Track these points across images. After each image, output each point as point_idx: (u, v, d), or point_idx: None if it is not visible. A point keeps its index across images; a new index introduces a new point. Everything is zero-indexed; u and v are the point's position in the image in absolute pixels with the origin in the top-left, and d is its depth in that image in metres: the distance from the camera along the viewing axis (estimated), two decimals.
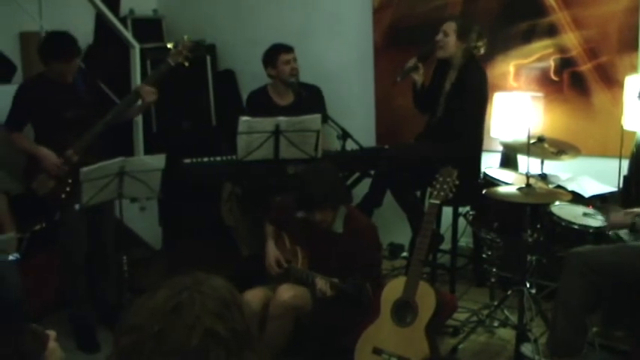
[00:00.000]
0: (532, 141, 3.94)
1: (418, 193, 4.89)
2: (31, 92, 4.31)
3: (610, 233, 3.82)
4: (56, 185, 4.24)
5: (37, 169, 4.25)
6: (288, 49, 5.03)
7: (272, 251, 4.02)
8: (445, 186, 3.65)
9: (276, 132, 4.31)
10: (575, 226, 3.92)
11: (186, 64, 4.41)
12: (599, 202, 4.32)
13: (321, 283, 3.62)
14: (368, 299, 3.60)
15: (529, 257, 3.99)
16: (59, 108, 4.25)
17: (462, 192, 3.77)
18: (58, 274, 4.55)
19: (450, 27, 4.56)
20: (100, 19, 5.59)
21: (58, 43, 4.21)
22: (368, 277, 3.65)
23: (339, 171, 4.87)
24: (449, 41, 4.56)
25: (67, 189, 4.22)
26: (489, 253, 4.36)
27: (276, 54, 5.02)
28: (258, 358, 1.42)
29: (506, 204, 3.90)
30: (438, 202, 3.66)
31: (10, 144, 4.40)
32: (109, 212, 4.44)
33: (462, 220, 4.66)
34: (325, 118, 4.75)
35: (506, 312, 4.26)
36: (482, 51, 4.62)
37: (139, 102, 4.42)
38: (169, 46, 4.46)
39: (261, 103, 5.08)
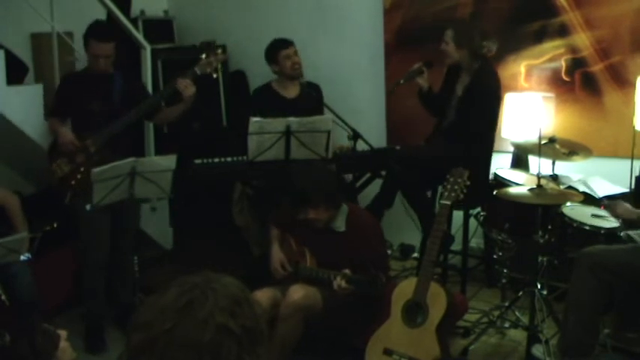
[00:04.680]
0: (543, 142, 3.94)
1: (429, 194, 4.89)
2: (69, 81, 4.55)
3: (622, 234, 3.81)
4: (70, 171, 4.31)
5: (58, 151, 4.35)
6: (287, 44, 5.01)
7: (276, 254, 4.04)
8: (456, 187, 3.64)
9: (287, 132, 4.31)
10: (587, 227, 3.92)
11: (215, 76, 4.50)
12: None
13: (338, 280, 3.62)
14: (382, 289, 3.57)
15: (540, 258, 3.98)
16: (86, 98, 4.36)
17: (472, 193, 3.76)
18: (78, 271, 4.58)
19: (448, 35, 4.56)
20: (111, 19, 5.60)
21: (98, 24, 4.52)
22: (379, 269, 3.65)
23: (350, 171, 4.90)
24: (449, 49, 4.56)
25: (78, 176, 4.27)
26: (500, 254, 4.36)
27: (276, 50, 5.01)
28: (267, 354, 1.43)
29: (518, 205, 3.89)
30: (448, 202, 3.64)
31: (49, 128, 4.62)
32: (133, 215, 4.49)
33: (472, 221, 4.66)
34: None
35: (517, 313, 4.25)
36: (493, 49, 4.59)
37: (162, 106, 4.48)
38: (201, 55, 4.44)
39: (265, 99, 5.07)
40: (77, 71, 4.96)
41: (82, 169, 4.27)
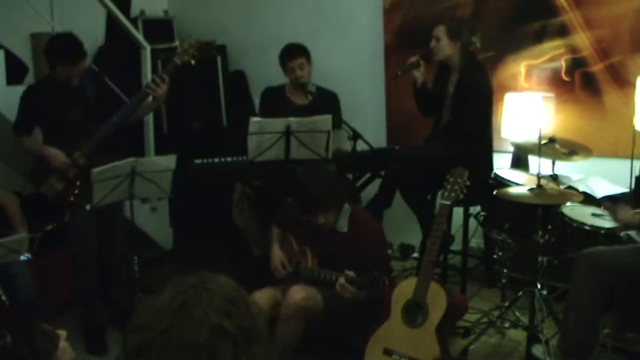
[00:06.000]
0: (543, 142, 3.94)
1: (429, 195, 4.89)
2: (38, 94, 4.28)
3: (622, 234, 3.81)
4: (65, 188, 4.22)
5: (45, 171, 4.22)
6: (295, 55, 4.93)
7: (277, 254, 4.04)
8: (456, 187, 3.64)
9: (287, 132, 4.30)
10: (587, 227, 3.91)
11: (193, 62, 4.32)
12: (610, 202, 4.30)
13: (340, 281, 3.61)
14: (384, 291, 3.56)
15: (540, 258, 3.99)
16: (65, 109, 4.21)
17: (473, 191, 3.76)
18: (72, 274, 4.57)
19: (440, 31, 4.58)
20: (111, 20, 5.60)
21: (63, 46, 4.13)
22: (380, 271, 3.65)
23: (350, 172, 4.89)
24: (442, 45, 4.58)
25: (76, 191, 4.20)
26: (500, 254, 4.35)
27: (283, 60, 4.98)
28: (265, 354, 1.43)
29: (518, 205, 3.89)
30: (448, 202, 3.65)
31: (19, 147, 4.39)
32: (119, 214, 4.44)
33: (472, 221, 4.66)
34: (339, 124, 4.72)
35: (517, 313, 4.25)
36: (478, 45, 4.62)
37: (150, 99, 4.39)
38: (175, 44, 4.38)
39: (276, 101, 5.06)
40: (42, 80, 4.57)
41: (77, 183, 4.19)
